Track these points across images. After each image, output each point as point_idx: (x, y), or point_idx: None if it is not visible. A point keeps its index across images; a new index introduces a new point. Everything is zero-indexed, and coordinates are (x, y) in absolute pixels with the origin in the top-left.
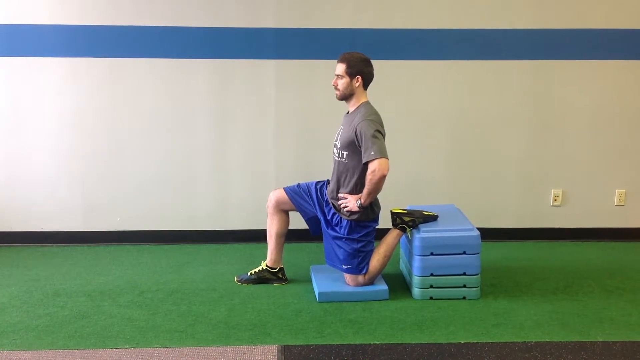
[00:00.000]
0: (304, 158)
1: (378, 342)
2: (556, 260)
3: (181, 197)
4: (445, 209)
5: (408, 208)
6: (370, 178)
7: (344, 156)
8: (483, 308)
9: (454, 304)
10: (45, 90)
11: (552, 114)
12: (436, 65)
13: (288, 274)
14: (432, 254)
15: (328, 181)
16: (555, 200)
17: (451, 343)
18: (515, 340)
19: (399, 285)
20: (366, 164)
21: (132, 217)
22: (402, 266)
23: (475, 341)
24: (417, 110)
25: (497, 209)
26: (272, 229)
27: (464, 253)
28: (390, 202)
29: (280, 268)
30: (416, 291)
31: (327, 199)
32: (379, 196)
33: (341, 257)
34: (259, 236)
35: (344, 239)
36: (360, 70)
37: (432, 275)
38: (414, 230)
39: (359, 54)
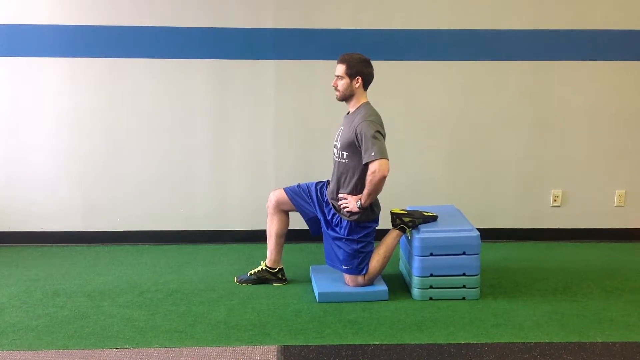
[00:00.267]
0: (304, 158)
1: (378, 343)
2: (556, 260)
3: (180, 197)
4: (445, 210)
5: (408, 208)
6: (370, 179)
7: (344, 157)
8: (483, 308)
9: (453, 304)
10: (45, 90)
11: (552, 115)
12: (436, 65)
13: (288, 274)
14: (431, 254)
15: (328, 182)
16: (555, 200)
17: (451, 343)
18: (514, 341)
19: (398, 285)
20: (366, 165)
21: (132, 217)
22: (402, 267)
23: (475, 342)
24: (417, 111)
25: (497, 209)
26: (271, 229)
27: (464, 254)
28: (390, 202)
29: (279, 268)
30: (416, 292)
31: (327, 199)
32: (379, 197)
33: (341, 257)
34: (258, 236)
35: (343, 240)
36: (360, 71)
37: (431, 275)
38: (413, 231)
39: (358, 55)
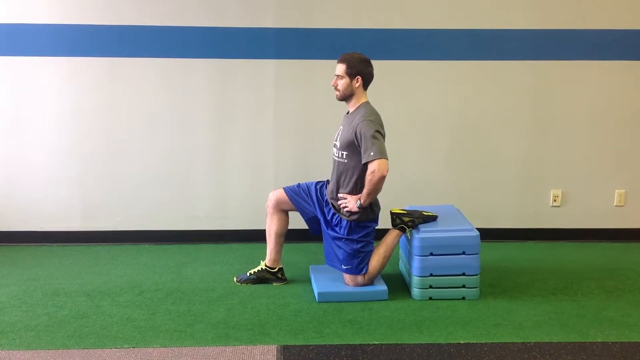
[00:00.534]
0: (304, 158)
1: (377, 343)
2: (555, 260)
3: (180, 197)
4: (445, 210)
5: (407, 208)
6: (370, 178)
7: (344, 156)
8: (482, 308)
9: (453, 304)
10: (45, 89)
11: (552, 115)
12: (436, 65)
13: (287, 274)
14: (431, 254)
15: (328, 181)
16: (555, 200)
17: (450, 343)
18: (514, 341)
19: (398, 285)
20: (366, 165)
21: (132, 216)
22: (402, 266)
23: (475, 341)
24: (417, 111)
25: (497, 209)
26: (271, 228)
27: (464, 253)
28: (389, 202)
29: (279, 268)
30: (415, 291)
31: (326, 199)
32: (379, 196)
33: (341, 257)
34: (258, 236)
35: (343, 240)
36: (360, 71)
37: (431, 275)
38: (413, 231)
39: (358, 55)
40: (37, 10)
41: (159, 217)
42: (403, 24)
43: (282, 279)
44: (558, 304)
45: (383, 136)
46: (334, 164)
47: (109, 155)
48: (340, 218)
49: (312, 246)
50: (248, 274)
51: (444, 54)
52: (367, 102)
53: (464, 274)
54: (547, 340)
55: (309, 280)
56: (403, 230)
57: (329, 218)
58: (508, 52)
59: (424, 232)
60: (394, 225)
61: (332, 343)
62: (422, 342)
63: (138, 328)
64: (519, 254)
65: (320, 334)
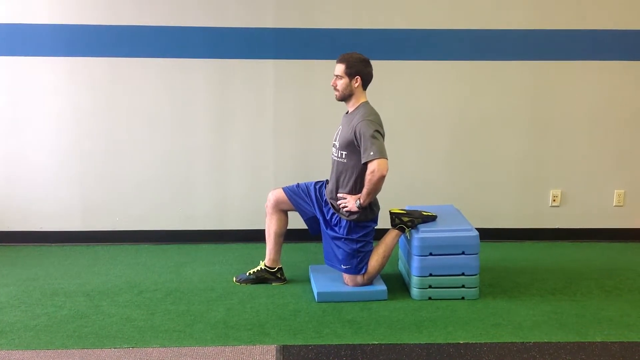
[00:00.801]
0: (303, 158)
1: (377, 342)
2: (555, 260)
3: (180, 197)
4: (444, 209)
5: (407, 208)
6: (369, 178)
7: (343, 156)
8: (482, 308)
9: (452, 304)
10: (45, 89)
11: (552, 115)
12: (436, 65)
13: (287, 274)
14: (431, 254)
15: (327, 181)
16: (554, 200)
17: (450, 343)
18: (513, 341)
19: (397, 285)
20: (365, 164)
21: (131, 216)
22: (401, 266)
23: (474, 341)
24: (417, 111)
25: (496, 209)
26: (270, 228)
27: (463, 253)
28: (389, 202)
29: (278, 268)
30: (415, 291)
31: (326, 199)
32: (378, 196)
33: (340, 257)
34: (257, 236)
35: (343, 239)
36: (360, 71)
37: (430, 275)
38: (412, 231)
39: (358, 55)
40: (36, 10)
41: (158, 217)
42: (403, 24)
43: (282, 279)
44: (557, 303)
45: (382, 136)
46: (333, 163)
47: (109, 155)
48: (340, 218)
49: (311, 246)
50: (247, 274)
51: (443, 54)
52: (367, 102)
53: (463, 274)
54: (546, 340)
55: (309, 280)
56: (402, 230)
57: (328, 218)
58: (508, 52)
59: (424, 232)
60: (394, 225)
61: (331, 343)
62: (422, 342)
63: (137, 328)
64: (519, 254)
65: (320, 333)
